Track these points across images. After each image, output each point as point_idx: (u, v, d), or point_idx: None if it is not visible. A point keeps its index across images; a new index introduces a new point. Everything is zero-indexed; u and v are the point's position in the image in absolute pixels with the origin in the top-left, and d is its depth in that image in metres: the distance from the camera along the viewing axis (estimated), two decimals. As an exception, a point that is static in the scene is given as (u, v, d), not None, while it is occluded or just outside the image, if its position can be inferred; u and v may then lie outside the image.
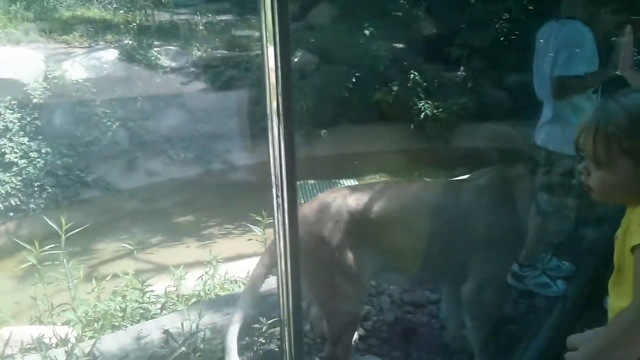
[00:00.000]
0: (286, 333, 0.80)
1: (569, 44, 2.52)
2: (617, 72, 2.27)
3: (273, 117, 0.68)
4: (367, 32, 7.37)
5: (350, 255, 2.15)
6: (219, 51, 7.57)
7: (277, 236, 0.76)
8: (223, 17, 9.60)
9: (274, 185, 0.72)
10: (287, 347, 0.82)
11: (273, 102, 0.67)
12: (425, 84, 7.16)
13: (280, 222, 0.74)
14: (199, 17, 8.66)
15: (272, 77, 0.66)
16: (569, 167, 2.60)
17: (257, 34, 8.44)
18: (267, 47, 0.65)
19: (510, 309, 2.78)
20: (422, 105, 7.01)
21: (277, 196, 0.72)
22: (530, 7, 8.17)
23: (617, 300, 1.08)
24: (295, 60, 7.81)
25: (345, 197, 2.22)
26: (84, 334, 2.52)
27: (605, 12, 2.54)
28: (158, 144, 6.72)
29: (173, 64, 7.26)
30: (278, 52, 0.65)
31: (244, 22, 9.48)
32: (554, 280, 2.85)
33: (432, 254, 2.17)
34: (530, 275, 2.87)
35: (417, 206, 2.27)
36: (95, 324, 2.69)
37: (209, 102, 7.15)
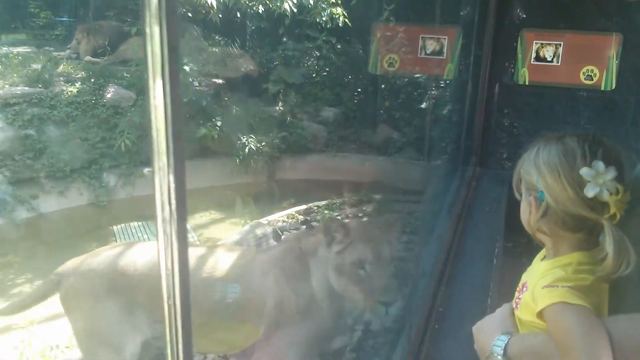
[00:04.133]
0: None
1: None
2: None
3: (161, 150, 0.67)
4: (186, 67, 7.29)
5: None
6: (18, 87, 6.79)
7: (165, 275, 0.74)
8: (20, 49, 8.69)
9: (161, 221, 0.70)
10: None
11: (161, 139, 0.66)
12: (248, 119, 7.30)
13: (169, 260, 0.72)
14: (-8, 49, 7.72)
15: (159, 112, 0.65)
16: None
17: (61, 67, 7.90)
18: (153, 81, 0.65)
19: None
20: (246, 140, 7.13)
21: (164, 233, 0.70)
22: (339, 46, 8.91)
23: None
24: (109, 96, 7.40)
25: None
26: None
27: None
28: (-55, 193, 5.79)
29: (-37, 101, 6.35)
30: (167, 88, 0.64)
31: (45, 55, 8.69)
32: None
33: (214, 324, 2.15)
34: None
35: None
36: None
37: (9, 143, 6.35)
